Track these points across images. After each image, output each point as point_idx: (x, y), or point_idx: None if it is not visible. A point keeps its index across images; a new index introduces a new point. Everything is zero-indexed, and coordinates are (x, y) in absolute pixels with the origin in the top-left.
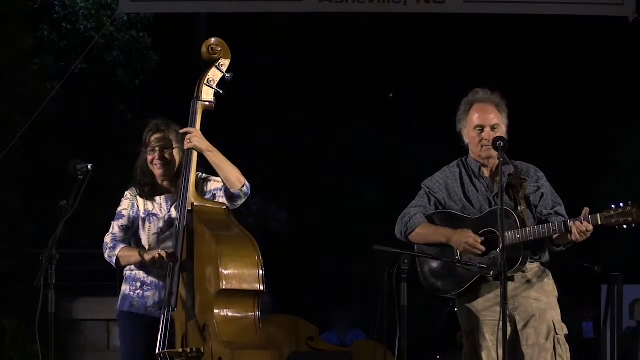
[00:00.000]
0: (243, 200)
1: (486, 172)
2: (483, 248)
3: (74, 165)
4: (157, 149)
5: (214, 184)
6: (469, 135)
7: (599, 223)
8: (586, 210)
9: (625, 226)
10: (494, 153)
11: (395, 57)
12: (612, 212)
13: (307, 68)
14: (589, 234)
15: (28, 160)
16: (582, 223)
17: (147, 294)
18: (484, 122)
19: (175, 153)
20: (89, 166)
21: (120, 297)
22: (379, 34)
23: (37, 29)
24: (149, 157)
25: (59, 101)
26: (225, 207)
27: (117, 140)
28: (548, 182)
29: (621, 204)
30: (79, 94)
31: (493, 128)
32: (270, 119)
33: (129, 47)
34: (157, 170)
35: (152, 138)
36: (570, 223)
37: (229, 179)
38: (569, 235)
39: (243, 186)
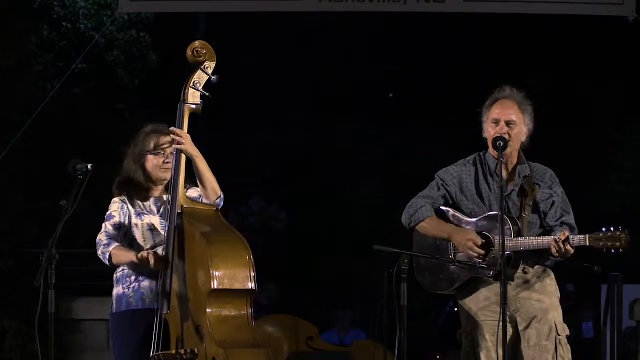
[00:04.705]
0: None
1: (503, 171)
2: (482, 252)
3: (73, 165)
4: (168, 152)
5: (193, 192)
6: (487, 130)
7: (587, 244)
8: (564, 234)
9: (613, 251)
10: (506, 151)
11: (395, 57)
12: (601, 235)
13: (307, 68)
14: (569, 254)
15: (28, 160)
16: (563, 247)
17: (143, 284)
18: (500, 116)
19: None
20: (89, 166)
21: (114, 301)
22: (379, 34)
23: (37, 29)
24: (156, 161)
25: (59, 101)
26: (214, 208)
27: (117, 141)
28: (562, 187)
29: (612, 228)
30: (79, 94)
31: (509, 124)
32: (270, 119)
33: (129, 47)
34: (163, 174)
35: (163, 140)
36: (552, 242)
37: (206, 188)
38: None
39: (217, 198)
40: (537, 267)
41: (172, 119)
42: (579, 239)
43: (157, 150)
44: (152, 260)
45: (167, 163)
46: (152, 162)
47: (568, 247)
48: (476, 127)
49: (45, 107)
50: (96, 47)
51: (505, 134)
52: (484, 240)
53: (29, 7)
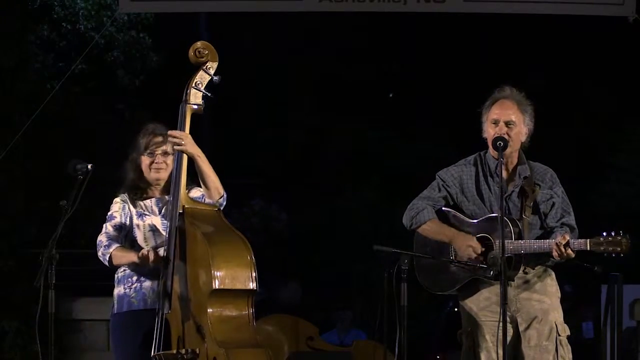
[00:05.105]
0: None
1: (503, 171)
2: (481, 259)
3: (73, 166)
4: (157, 152)
5: (195, 192)
6: (487, 130)
7: (588, 249)
8: (565, 238)
9: (613, 255)
10: (506, 151)
11: (395, 57)
12: (601, 240)
13: (307, 68)
14: (569, 257)
15: (28, 160)
16: (564, 251)
17: (145, 284)
18: (500, 116)
19: (171, 160)
20: (89, 166)
21: (115, 301)
22: (379, 34)
23: (37, 29)
24: (147, 161)
25: (59, 101)
26: (216, 208)
27: (117, 140)
28: (562, 187)
29: (612, 233)
30: (79, 94)
31: (508, 124)
32: (270, 119)
33: (129, 47)
34: (154, 174)
35: (153, 142)
36: (553, 246)
37: (209, 187)
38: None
39: (220, 197)
40: (537, 267)
41: (172, 119)
42: (579, 243)
43: (147, 150)
44: (151, 257)
45: (155, 163)
46: (144, 162)
47: (569, 250)
48: (476, 127)
49: (45, 107)
50: (96, 47)
51: (504, 134)
52: (483, 249)
53: (29, 7)
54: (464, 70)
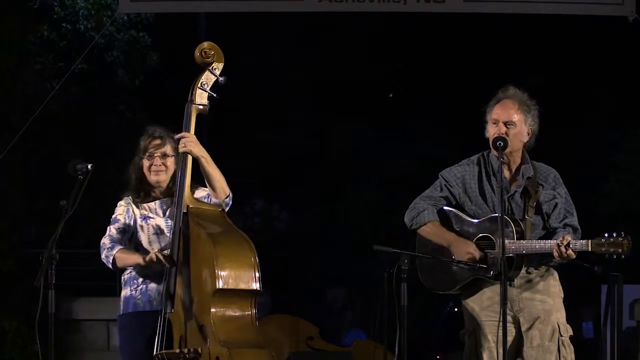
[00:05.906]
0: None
1: (506, 171)
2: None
3: (73, 166)
4: (155, 155)
5: (200, 192)
6: (488, 129)
7: (589, 250)
8: (566, 239)
9: (615, 256)
10: (506, 151)
11: (395, 57)
12: (603, 241)
13: (307, 68)
14: (570, 258)
15: (28, 160)
16: (565, 251)
17: (150, 285)
18: (500, 116)
19: (171, 162)
20: (89, 166)
21: (121, 303)
22: (379, 34)
23: (37, 29)
24: (146, 164)
25: (59, 101)
26: (220, 209)
27: (117, 140)
28: (565, 187)
29: (614, 234)
30: (79, 94)
31: (507, 124)
32: (270, 119)
33: (129, 47)
34: (153, 177)
35: (151, 144)
36: (554, 246)
37: (215, 188)
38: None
39: (227, 197)
40: (540, 267)
41: (171, 118)
42: (580, 244)
43: (146, 153)
44: (162, 259)
45: (154, 166)
46: (144, 165)
47: (569, 251)
48: (476, 126)
49: (45, 107)
50: (96, 47)
51: (503, 134)
52: (482, 254)
53: (29, 7)
54: (464, 70)
